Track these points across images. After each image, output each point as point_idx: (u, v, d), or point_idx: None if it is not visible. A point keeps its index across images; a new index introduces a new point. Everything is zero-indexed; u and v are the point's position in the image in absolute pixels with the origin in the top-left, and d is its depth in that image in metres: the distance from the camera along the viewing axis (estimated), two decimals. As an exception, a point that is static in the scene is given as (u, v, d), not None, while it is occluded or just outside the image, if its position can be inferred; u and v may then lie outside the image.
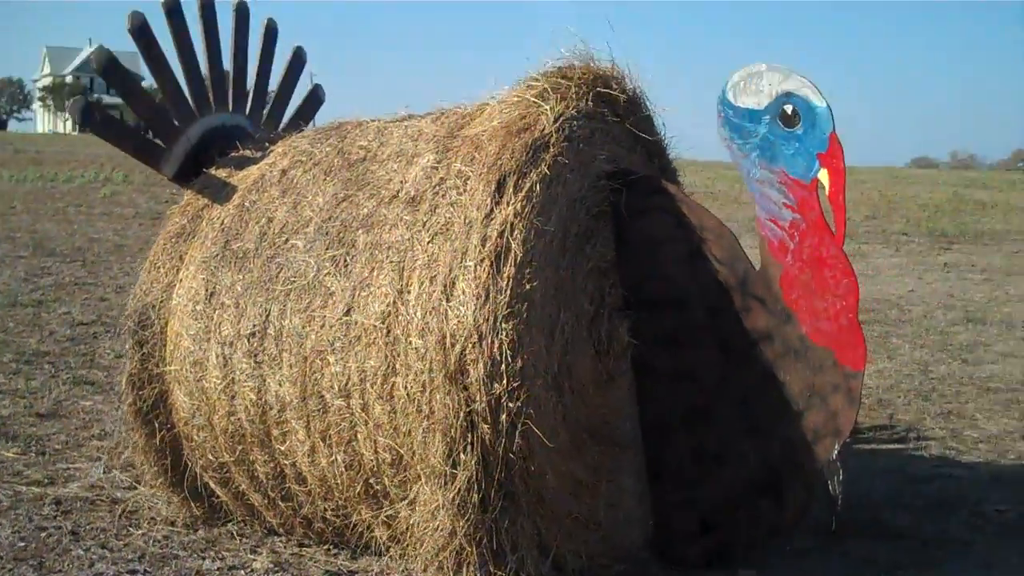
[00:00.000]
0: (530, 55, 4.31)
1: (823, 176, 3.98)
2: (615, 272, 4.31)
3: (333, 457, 4.03)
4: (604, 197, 4.25)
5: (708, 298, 4.24)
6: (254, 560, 4.23)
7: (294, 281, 4.15)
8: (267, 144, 4.84)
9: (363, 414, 3.92)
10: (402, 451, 3.83)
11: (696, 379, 4.28)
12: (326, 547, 4.35)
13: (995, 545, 4.70)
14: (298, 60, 5.52)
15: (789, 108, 4.02)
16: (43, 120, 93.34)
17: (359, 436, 3.95)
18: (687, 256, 4.26)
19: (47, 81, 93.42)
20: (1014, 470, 5.83)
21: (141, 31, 4.62)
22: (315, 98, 5.71)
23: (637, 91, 4.48)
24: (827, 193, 3.98)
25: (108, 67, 4.58)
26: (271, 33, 5.35)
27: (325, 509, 4.18)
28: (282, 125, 5.38)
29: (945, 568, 4.41)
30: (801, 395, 4.12)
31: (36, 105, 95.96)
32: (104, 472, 5.15)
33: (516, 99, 4.15)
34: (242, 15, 5.18)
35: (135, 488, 4.88)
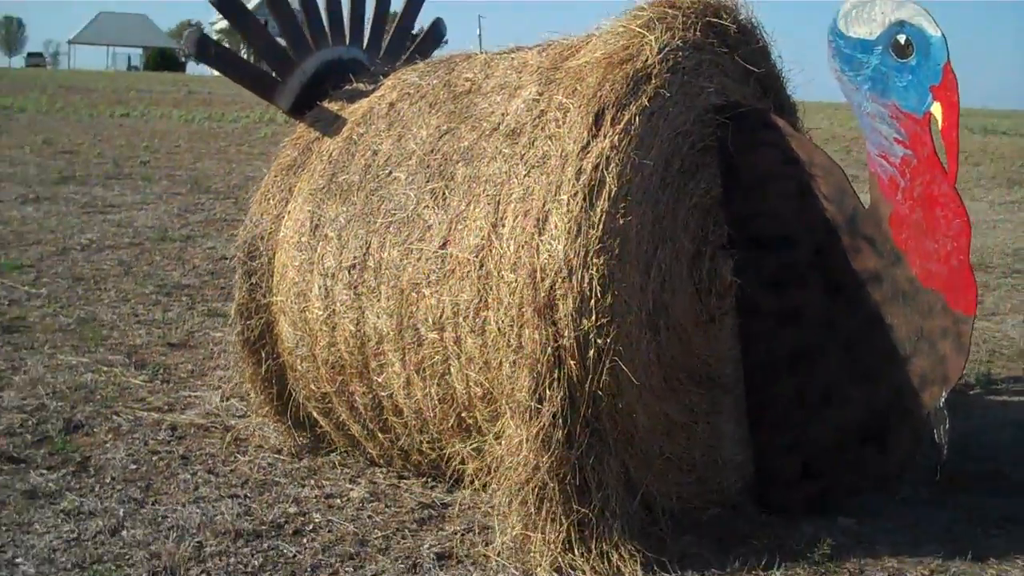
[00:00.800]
0: None
1: (936, 110, 3.77)
2: (720, 209, 4.19)
3: (427, 390, 4.04)
4: (711, 131, 4.12)
5: (815, 237, 4.09)
6: (352, 489, 4.30)
7: (394, 214, 4.16)
8: (380, 77, 4.84)
9: (456, 347, 3.92)
10: (492, 385, 3.82)
11: (802, 320, 4.14)
12: (423, 479, 4.40)
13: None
14: (416, -1, 5.49)
15: (902, 38, 3.82)
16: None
17: (452, 369, 3.95)
18: (795, 193, 4.11)
19: (224, 24, 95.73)
20: None
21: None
22: (436, 32, 5.69)
23: (751, 21, 4.32)
24: (940, 128, 3.77)
25: (223, 1, 4.63)
26: (390, -33, 5.34)
27: (421, 441, 4.21)
28: (401, 60, 5.37)
29: (1059, 524, 4.20)
30: (909, 339, 3.95)
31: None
32: (222, 400, 5.30)
33: (621, 29, 4.04)
34: (359, -52, 5.17)
35: (247, 417, 5.00)
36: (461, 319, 3.88)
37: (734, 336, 4.25)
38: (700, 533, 3.96)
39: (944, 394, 3.90)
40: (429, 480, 4.38)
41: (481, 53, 4.66)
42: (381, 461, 4.50)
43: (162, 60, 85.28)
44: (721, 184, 4.17)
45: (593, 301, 3.57)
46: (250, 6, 4.94)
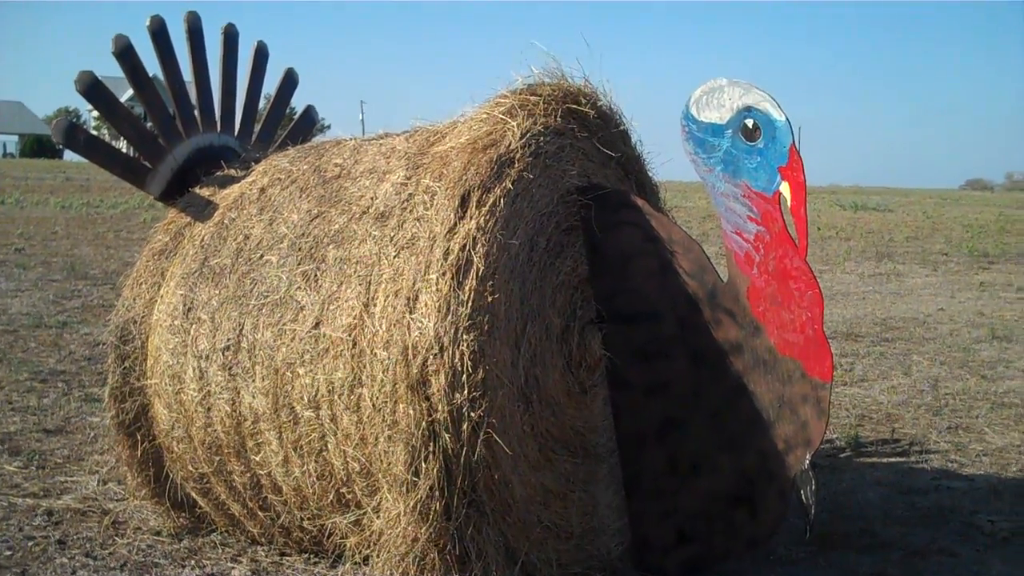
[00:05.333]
0: (501, 74, 4.37)
1: (784, 189, 3.99)
2: (587, 286, 4.34)
3: (305, 467, 4.09)
4: (575, 212, 4.29)
5: (678, 311, 4.26)
6: (233, 569, 4.31)
7: (267, 296, 4.23)
8: (251, 164, 4.93)
9: (332, 424, 3.98)
10: (369, 460, 3.89)
11: (668, 391, 4.30)
12: (305, 556, 4.42)
13: (983, 556, 4.68)
14: (289, 80, 5.62)
15: (750, 122, 4.05)
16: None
17: (329, 446, 4.01)
18: (657, 269, 4.29)
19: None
20: (1014, 483, 5.77)
21: (125, 53, 4.73)
22: (308, 118, 5.81)
23: (610, 106, 4.53)
24: (789, 206, 3.99)
25: (92, 90, 4.68)
26: (261, 55, 5.46)
27: (302, 518, 4.25)
28: (274, 146, 5.47)
29: (927, 578, 4.40)
30: (771, 406, 4.13)
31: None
32: (99, 484, 5.26)
33: (484, 116, 4.20)
34: (230, 37, 5.29)
35: (126, 500, 4.97)
36: (336, 396, 3.96)
37: (606, 407, 4.39)
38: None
39: (808, 457, 4.07)
40: (311, 556, 4.40)
41: (351, 139, 4.78)
42: (262, 539, 4.51)
43: (38, 147, 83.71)
44: (587, 262, 4.33)
45: (465, 376, 3.67)
46: (124, 96, 4.99)
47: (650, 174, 4.84)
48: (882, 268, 17.45)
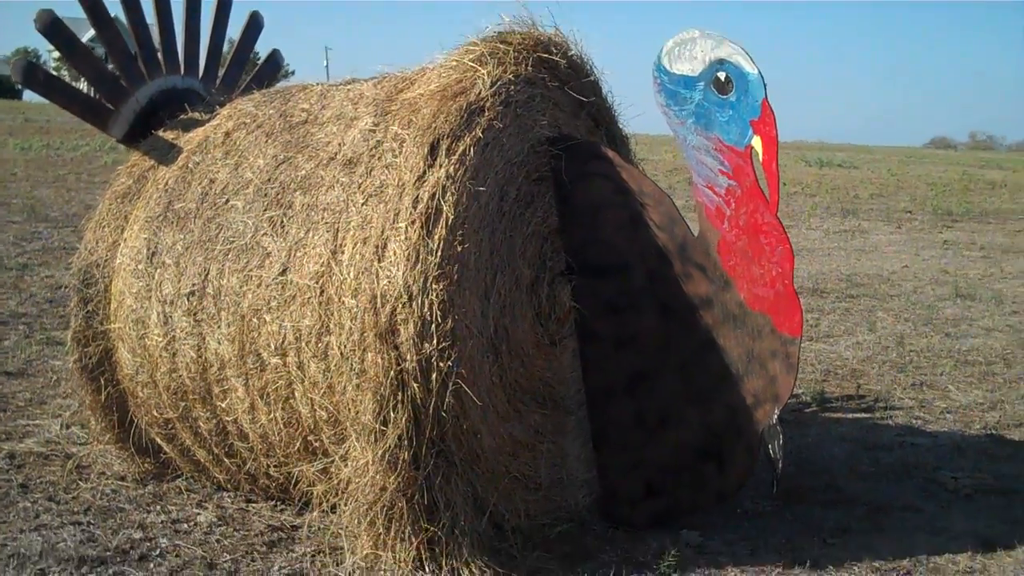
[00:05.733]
0: (470, 20, 4.31)
1: (756, 143, 3.97)
2: (556, 237, 4.31)
3: (272, 414, 4.06)
4: (545, 162, 4.26)
5: (648, 263, 4.25)
6: (199, 515, 4.29)
7: (233, 241, 4.18)
8: (216, 107, 4.85)
9: (299, 372, 3.95)
10: (336, 409, 3.86)
11: (637, 344, 4.29)
12: (272, 503, 4.41)
13: (944, 511, 4.73)
14: (254, 23, 5.53)
15: (722, 75, 4.01)
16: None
17: (296, 394, 3.98)
18: (627, 222, 4.26)
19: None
20: (977, 440, 5.83)
21: (89, -5, 4.62)
22: (273, 63, 5.72)
23: (580, 56, 4.48)
24: (760, 160, 3.97)
25: (51, 28, 4.57)
26: (225, -2, 5.35)
27: (268, 465, 4.23)
28: (239, 90, 5.38)
29: (890, 532, 4.44)
30: (740, 361, 4.13)
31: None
32: (62, 428, 5.21)
33: (454, 63, 4.15)
34: (196, -22, 5.18)
35: (89, 444, 4.92)
36: (303, 344, 3.92)
37: (575, 359, 4.38)
38: (549, 549, 4.06)
39: (776, 412, 4.09)
40: (278, 503, 4.39)
41: (317, 84, 4.71)
42: (228, 486, 4.50)
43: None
44: (557, 213, 4.30)
45: (434, 326, 3.65)
46: (84, 38, 4.88)
47: (620, 126, 4.79)
48: (847, 225, 17.50)
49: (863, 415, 6.27)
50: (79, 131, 25.04)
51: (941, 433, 5.94)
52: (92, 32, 4.81)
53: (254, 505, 4.41)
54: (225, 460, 4.36)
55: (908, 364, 7.60)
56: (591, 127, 4.65)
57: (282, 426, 4.06)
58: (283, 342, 3.98)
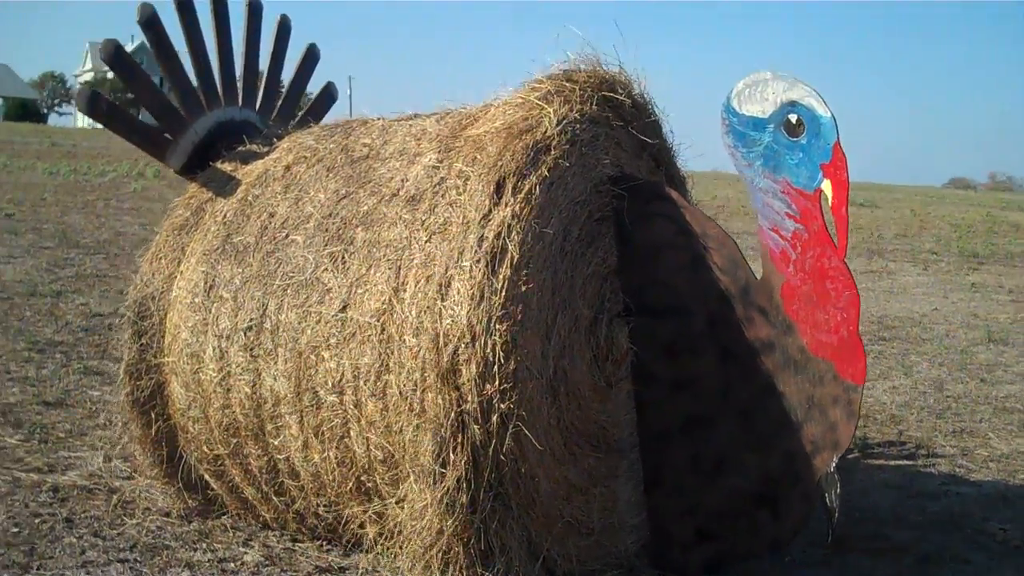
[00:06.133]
0: (536, 57, 4.30)
1: (826, 187, 3.93)
2: (616, 278, 4.28)
3: (326, 453, 4.02)
4: (607, 202, 4.22)
5: (709, 306, 4.20)
6: (245, 553, 4.23)
7: (292, 276, 4.15)
8: (274, 140, 4.84)
9: (356, 411, 3.91)
10: (393, 449, 3.82)
11: (695, 388, 4.24)
12: (319, 543, 4.35)
13: (995, 564, 4.65)
14: (311, 56, 5.53)
15: (793, 117, 3.98)
16: (83, 115, 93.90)
17: (351, 433, 3.94)
18: (688, 263, 4.22)
19: (89, 76, 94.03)
20: (1022, 490, 5.75)
21: (150, 23, 4.63)
22: (327, 95, 5.72)
23: (643, 96, 4.46)
24: (830, 204, 3.93)
25: (115, 57, 4.58)
26: (284, 29, 5.37)
27: (318, 505, 4.18)
28: (294, 122, 5.38)
29: (942, 584, 4.37)
30: (800, 407, 4.08)
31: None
32: (104, 461, 5.16)
33: (520, 101, 4.13)
34: (255, 10, 5.19)
35: (133, 478, 4.89)
36: (361, 382, 3.88)
37: (630, 402, 4.33)
38: (601, 596, 4.00)
39: (835, 460, 4.03)
40: (324, 544, 4.33)
41: (378, 119, 4.69)
42: (275, 524, 4.44)
43: (22, 111, 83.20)
44: (617, 253, 4.27)
45: (496, 367, 3.60)
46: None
47: (679, 165, 4.77)
48: (874, 266, 17.45)
49: (906, 462, 6.20)
50: (106, 156, 25.23)
51: (985, 482, 5.87)
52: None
53: (300, 545, 4.36)
54: (274, 498, 4.32)
55: (946, 410, 7.53)
56: (652, 167, 4.63)
57: (335, 465, 4.02)
58: (340, 380, 3.94)
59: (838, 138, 3.90)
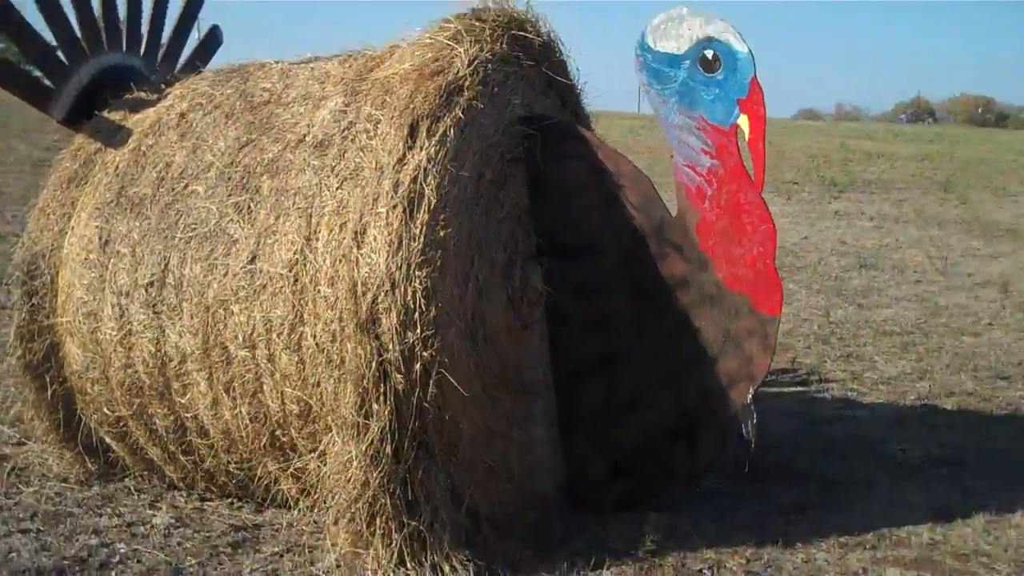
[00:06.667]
0: (440, -2, 4.17)
1: (743, 122, 3.93)
2: (529, 219, 4.22)
3: (237, 409, 3.90)
4: (518, 143, 4.15)
5: (622, 245, 4.17)
6: (154, 516, 4.11)
7: (195, 228, 3.99)
8: (163, 86, 4.62)
9: (269, 365, 3.79)
10: (311, 402, 3.72)
11: (609, 326, 4.22)
12: (229, 500, 4.25)
13: (897, 484, 4.78)
14: (194, 1, 5.27)
15: (710, 53, 3.95)
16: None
17: (265, 387, 3.82)
18: (602, 202, 4.18)
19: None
20: (914, 411, 5.92)
21: (30, -30, 4.35)
22: (213, 40, 5.49)
23: (552, 35, 4.38)
24: (746, 139, 3.93)
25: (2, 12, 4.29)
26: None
27: (228, 462, 4.06)
28: (178, 67, 5.15)
29: (848, 507, 4.47)
30: (716, 341, 4.10)
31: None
32: (-8, 428, 4.93)
33: (428, 41, 4.01)
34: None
35: (24, 444, 4.68)
36: (275, 335, 3.76)
37: (544, 343, 4.29)
38: (523, 538, 3.98)
39: (751, 391, 4.06)
40: (235, 501, 4.22)
41: (277, 63, 4.51)
42: (182, 484, 4.31)
43: None
44: (529, 194, 4.20)
45: (417, 314, 3.52)
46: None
47: (584, 104, 4.71)
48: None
49: (800, 388, 6.33)
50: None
51: (878, 405, 6.03)
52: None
53: (210, 503, 4.24)
54: (181, 458, 4.18)
55: (831, 336, 7.71)
56: (559, 106, 4.56)
57: (248, 421, 3.90)
58: (252, 333, 3.81)
59: (755, 73, 3.89)
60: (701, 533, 4.10)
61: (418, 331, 3.52)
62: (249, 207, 3.92)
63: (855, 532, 4.17)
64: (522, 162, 4.17)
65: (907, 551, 4.01)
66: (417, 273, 3.53)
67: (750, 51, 3.89)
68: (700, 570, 3.81)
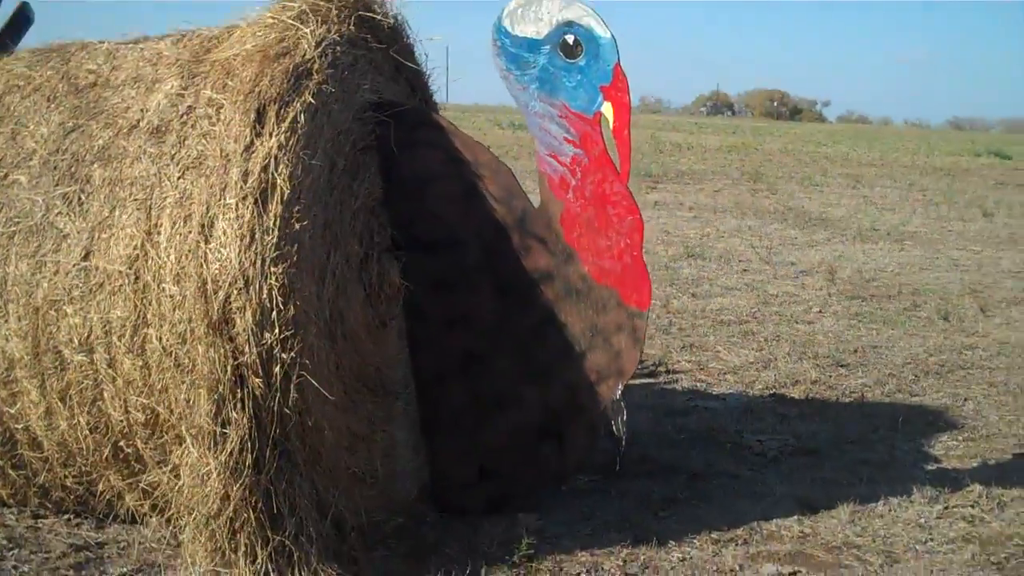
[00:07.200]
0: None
1: (607, 110, 3.79)
2: (383, 211, 4.00)
3: (75, 419, 3.58)
4: (370, 130, 3.93)
5: (483, 238, 4.00)
6: (-19, 538, 3.75)
7: (18, 222, 3.65)
8: (-29, 68, 4.22)
9: (109, 370, 3.49)
10: (159, 410, 3.43)
11: (472, 323, 4.05)
12: (66, 517, 3.92)
13: (759, 475, 4.77)
14: (24, 18, 4.88)
15: (571, 38, 3.80)
16: None
17: (105, 395, 3.52)
18: (460, 194, 4.01)
19: None
20: (763, 400, 5.94)
21: None
22: (23, 17, 5.08)
23: (399, 17, 4.17)
24: (611, 127, 3.80)
25: None
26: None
27: (66, 476, 3.74)
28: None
29: (715, 500, 4.42)
30: (583, 336, 3.97)
31: None
32: None
33: (271, 21, 3.76)
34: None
35: None
36: (115, 338, 3.46)
37: (402, 341, 4.09)
38: (390, 546, 3.81)
39: (621, 387, 3.95)
40: (72, 518, 3.90)
41: (103, 42, 4.17)
42: (12, 501, 3.96)
43: None
44: (383, 185, 3.99)
45: (275, 313, 3.28)
46: None
47: (432, 92, 4.52)
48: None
49: (650, 380, 6.28)
50: None
51: (728, 395, 6.03)
52: None
53: (44, 521, 3.91)
54: (11, 472, 3.83)
55: (671, 326, 7.70)
56: (408, 92, 4.35)
57: (87, 432, 3.59)
58: (89, 336, 3.50)
59: (619, 59, 3.76)
60: (574, 534, 3.97)
61: (276, 331, 3.29)
62: (80, 198, 3.60)
63: (726, 527, 4.11)
64: (375, 151, 3.96)
65: (779, 545, 3.97)
66: (272, 269, 3.29)
67: (613, 37, 3.76)
68: (579, 574, 3.67)
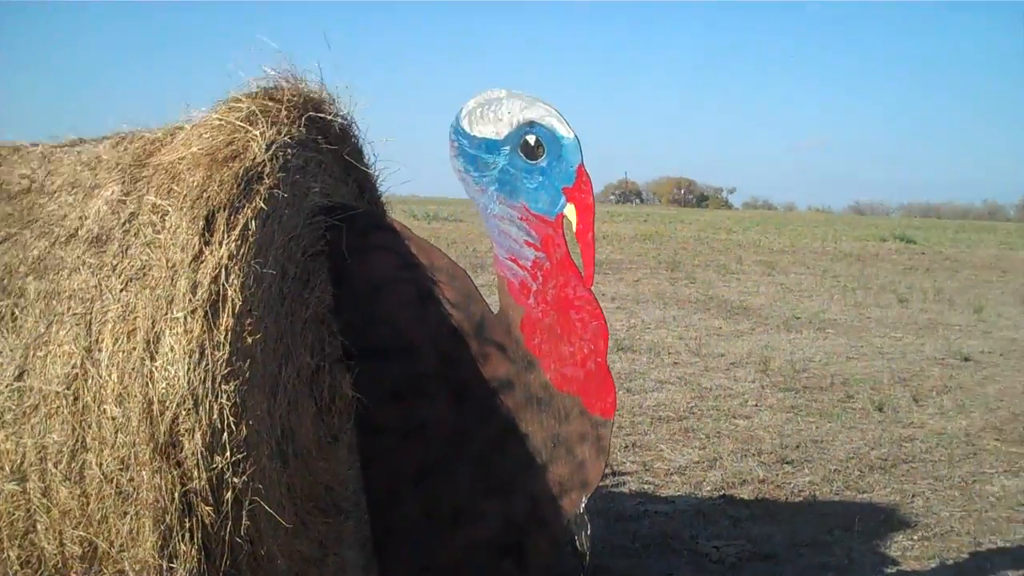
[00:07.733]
0: (230, 72, 3.75)
1: (569, 212, 3.67)
2: (334, 319, 3.82)
3: (5, 554, 3.29)
4: (320, 235, 3.76)
5: (439, 345, 3.83)
6: None
7: (-55, 340, 3.38)
8: None
9: (43, 500, 3.22)
10: (98, 542, 3.17)
11: (427, 434, 3.86)
12: (-11, 664, 3.59)
13: (722, 584, 4.59)
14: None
15: (532, 139, 3.67)
16: None
17: (39, 526, 3.24)
18: (415, 299, 3.84)
19: None
20: (713, 503, 5.80)
21: None
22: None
23: (348, 116, 4.03)
24: (574, 230, 3.67)
25: None
26: None
27: (-10, 617, 3.43)
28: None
29: (682, 616, 4.23)
30: (545, 446, 3.80)
31: None
32: None
33: (218, 122, 3.58)
34: None
35: None
36: (50, 465, 3.20)
37: (353, 455, 3.88)
38: None
39: (584, 499, 3.78)
40: (-3, 666, 3.58)
41: (36, 145, 3.96)
42: (-67, 645, 3.63)
43: None
44: (334, 292, 3.81)
45: (226, 434, 3.07)
46: None
47: (379, 192, 4.37)
48: (481, 279, 17.67)
49: (595, 483, 6.10)
50: None
51: (677, 498, 5.88)
52: None
53: (-32, 662, 3.59)
54: (-69, 610, 3.52)
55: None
56: (357, 193, 4.20)
57: (18, 567, 3.30)
58: (22, 463, 3.23)
59: (582, 160, 3.64)
60: (536, 658, 3.77)
61: (227, 454, 3.06)
62: (13, 313, 3.36)
63: (692, 642, 3.94)
64: (325, 256, 3.78)
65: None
66: (224, 387, 3.08)
67: (576, 137, 3.64)
68: None
